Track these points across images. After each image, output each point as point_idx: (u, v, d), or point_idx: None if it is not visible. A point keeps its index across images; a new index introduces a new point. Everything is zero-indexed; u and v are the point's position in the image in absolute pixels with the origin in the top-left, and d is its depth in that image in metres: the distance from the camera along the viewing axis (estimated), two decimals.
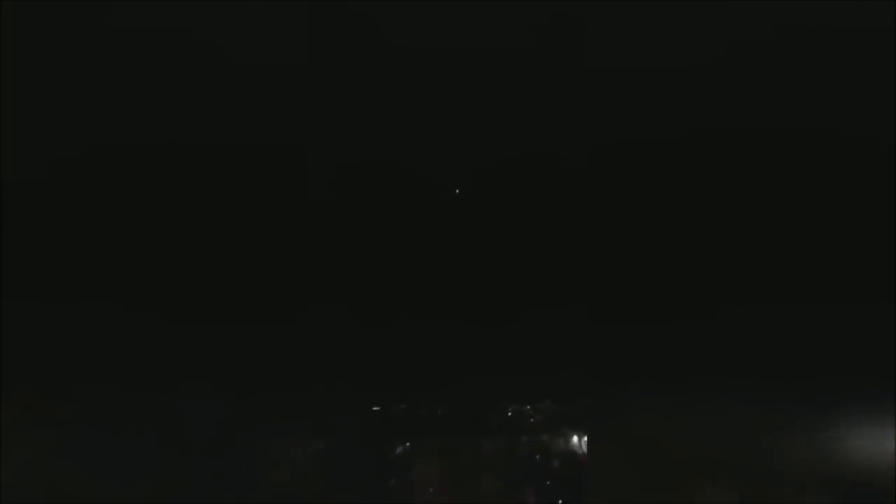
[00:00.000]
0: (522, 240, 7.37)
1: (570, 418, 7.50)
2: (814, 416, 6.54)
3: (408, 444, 7.15)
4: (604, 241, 7.18)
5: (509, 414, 7.54)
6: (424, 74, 5.81)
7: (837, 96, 5.90)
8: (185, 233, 6.51)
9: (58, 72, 5.36)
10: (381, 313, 7.19)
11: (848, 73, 5.72)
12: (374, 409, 7.09)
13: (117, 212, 6.28)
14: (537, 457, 7.44)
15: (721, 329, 6.83)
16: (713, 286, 6.98)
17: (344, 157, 6.57)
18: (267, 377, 6.65)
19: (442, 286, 7.37)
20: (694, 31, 5.51)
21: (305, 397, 6.78)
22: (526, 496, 7.27)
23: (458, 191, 7.03)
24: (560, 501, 7.22)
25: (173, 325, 6.35)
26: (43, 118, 5.62)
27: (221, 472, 6.23)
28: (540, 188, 7.08)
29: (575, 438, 7.46)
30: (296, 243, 6.94)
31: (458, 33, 5.41)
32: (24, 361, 5.81)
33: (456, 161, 6.80)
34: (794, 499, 6.47)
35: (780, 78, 5.86)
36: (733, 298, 6.87)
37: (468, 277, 7.43)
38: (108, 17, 4.98)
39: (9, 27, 4.86)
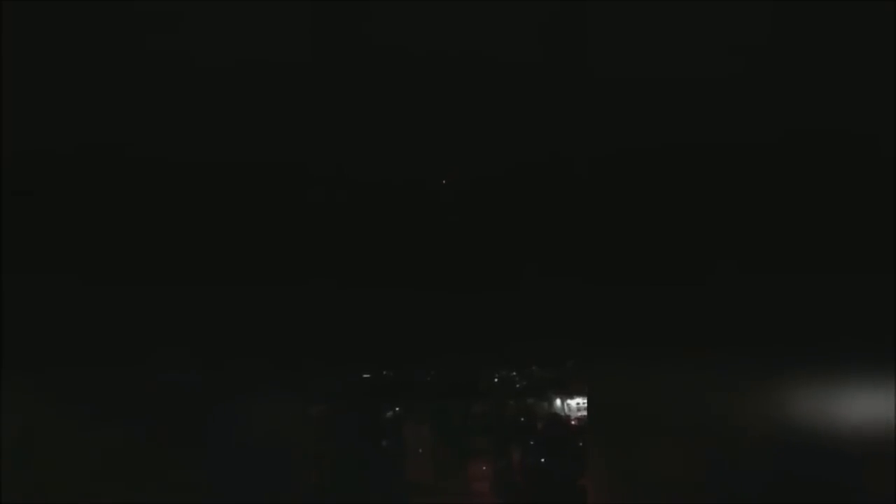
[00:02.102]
0: (510, 214, 7.58)
1: (554, 383, 7.79)
2: (795, 380, 6.67)
3: (398, 408, 7.47)
4: (591, 213, 7.35)
5: (496, 379, 7.83)
6: (424, 79, 6.01)
7: (839, 94, 6.02)
8: (178, 205, 6.70)
9: (56, 75, 5.53)
10: (372, 285, 7.45)
11: (849, 72, 5.83)
12: (364, 376, 7.39)
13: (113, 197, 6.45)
14: (522, 419, 7.76)
15: (703, 296, 6.97)
16: (696, 256, 7.13)
17: (344, 148, 6.78)
18: (263, 347, 6.91)
19: (431, 257, 7.61)
20: (697, 36, 5.63)
21: (299, 366, 7.06)
22: (511, 455, 7.62)
23: (444, 181, 7.28)
24: (543, 459, 7.56)
25: (162, 295, 6.52)
26: (45, 120, 5.79)
27: (219, 439, 6.51)
28: (529, 167, 7.29)
29: (558, 401, 7.77)
30: (290, 216, 7.15)
31: (461, 39, 5.58)
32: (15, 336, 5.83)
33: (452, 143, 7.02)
34: (774, 459, 6.65)
35: (781, 79, 6.00)
36: (716, 268, 7.02)
37: (457, 249, 7.67)
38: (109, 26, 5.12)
39: (9, 28, 4.99)
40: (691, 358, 7.01)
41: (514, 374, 7.84)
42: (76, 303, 6.17)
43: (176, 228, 6.73)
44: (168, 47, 5.73)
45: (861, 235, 6.56)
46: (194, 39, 5.92)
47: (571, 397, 7.73)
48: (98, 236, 6.39)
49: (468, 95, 6.65)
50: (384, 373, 7.52)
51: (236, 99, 6.30)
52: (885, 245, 6.43)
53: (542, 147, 7.24)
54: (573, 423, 7.66)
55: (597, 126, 6.89)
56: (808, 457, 6.57)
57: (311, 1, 6.18)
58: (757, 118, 6.48)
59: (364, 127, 7.03)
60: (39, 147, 6.12)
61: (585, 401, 7.53)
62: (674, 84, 6.45)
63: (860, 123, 6.20)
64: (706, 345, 6.98)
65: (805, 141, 6.46)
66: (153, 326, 6.57)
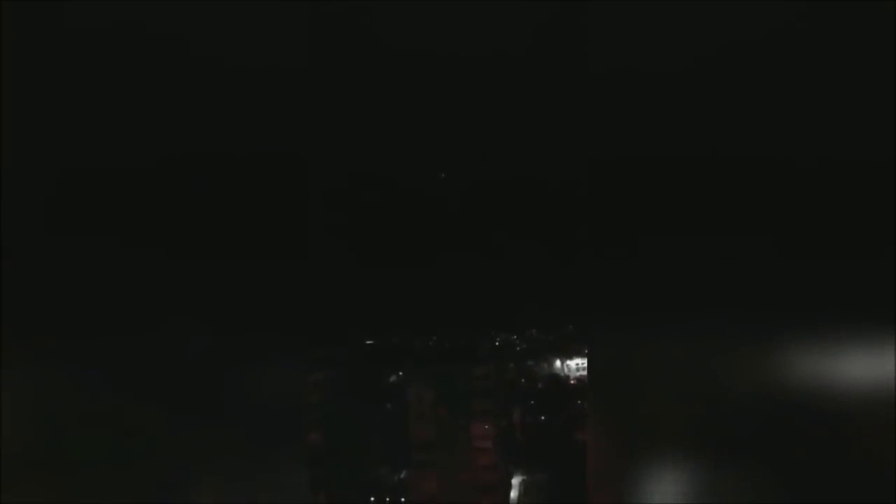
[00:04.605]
0: (505, 192, 7.96)
1: (553, 346, 8.22)
2: (789, 342, 6.81)
3: (401, 372, 7.98)
4: (589, 189, 7.61)
5: (497, 343, 8.29)
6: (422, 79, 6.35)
7: (837, 93, 6.14)
8: (190, 176, 7.13)
9: (57, 77, 6.03)
10: (379, 256, 7.92)
11: (847, 71, 5.97)
12: (368, 342, 7.89)
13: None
14: (523, 380, 8.23)
15: (696, 264, 7.18)
16: (687, 225, 7.34)
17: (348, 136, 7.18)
18: (275, 315, 7.39)
19: (432, 227, 8.06)
20: (693, 34, 5.82)
21: (309, 333, 7.55)
22: (512, 414, 8.10)
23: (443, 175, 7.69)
24: (543, 417, 8.02)
25: (172, 263, 6.91)
26: (48, 119, 6.28)
27: (234, 403, 6.99)
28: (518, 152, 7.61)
29: (557, 363, 8.20)
30: (298, 190, 7.61)
31: (459, 40, 5.90)
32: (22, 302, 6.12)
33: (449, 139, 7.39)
34: (766, 416, 6.84)
35: (778, 79, 6.16)
36: (709, 238, 7.22)
37: (458, 221, 8.10)
38: (107, 21, 5.58)
39: (9, 30, 5.42)
40: (687, 321, 7.19)
41: (515, 337, 8.27)
42: (88, 277, 6.59)
43: (201, 212, 7.18)
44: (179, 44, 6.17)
45: (861, 201, 6.60)
46: (199, 39, 6.39)
47: (571, 358, 8.14)
48: (119, 217, 6.84)
49: (478, 92, 6.99)
50: (391, 339, 8.02)
51: (242, 98, 6.77)
52: (886, 219, 6.44)
53: (535, 140, 7.56)
54: (572, 382, 8.07)
55: (591, 122, 7.13)
56: (802, 415, 6.70)
57: (311, 1, 6.58)
58: (755, 113, 6.60)
59: (374, 123, 7.45)
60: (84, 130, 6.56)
61: (584, 361, 7.89)
62: (675, 77, 6.62)
63: (859, 120, 6.28)
64: (700, 308, 7.16)
65: (803, 137, 6.54)
66: (174, 300, 7.03)
